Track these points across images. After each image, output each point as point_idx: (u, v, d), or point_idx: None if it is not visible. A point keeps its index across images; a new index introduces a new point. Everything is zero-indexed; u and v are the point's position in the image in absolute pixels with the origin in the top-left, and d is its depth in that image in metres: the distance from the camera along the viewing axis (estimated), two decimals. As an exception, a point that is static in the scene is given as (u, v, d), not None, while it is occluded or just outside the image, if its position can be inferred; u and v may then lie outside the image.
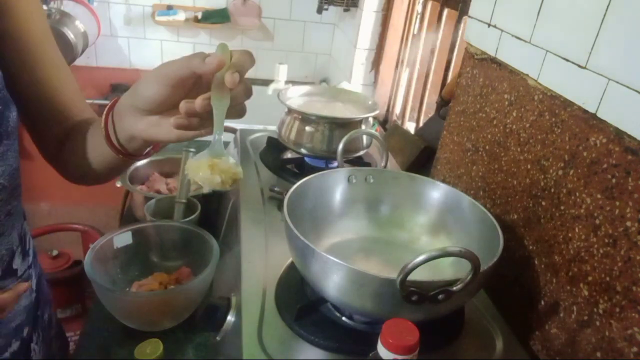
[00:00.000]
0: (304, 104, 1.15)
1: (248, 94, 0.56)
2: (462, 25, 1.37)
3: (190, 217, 0.99)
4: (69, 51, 2.10)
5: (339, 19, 2.46)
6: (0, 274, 0.67)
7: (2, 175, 0.64)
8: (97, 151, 0.66)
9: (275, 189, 0.97)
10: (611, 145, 0.61)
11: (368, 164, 1.14)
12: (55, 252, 1.99)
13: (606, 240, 0.61)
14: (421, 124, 1.62)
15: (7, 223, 0.66)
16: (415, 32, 1.81)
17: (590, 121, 0.65)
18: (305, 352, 0.64)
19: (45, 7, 2.09)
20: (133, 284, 0.87)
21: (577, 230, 0.67)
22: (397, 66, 1.93)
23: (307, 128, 1.07)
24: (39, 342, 0.77)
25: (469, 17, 0.98)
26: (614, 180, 0.61)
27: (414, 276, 0.55)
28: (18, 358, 0.72)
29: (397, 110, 1.92)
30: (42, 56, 0.68)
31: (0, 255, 0.67)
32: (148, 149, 0.66)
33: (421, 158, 1.31)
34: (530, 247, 0.77)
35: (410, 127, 1.75)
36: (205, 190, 0.72)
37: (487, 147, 0.90)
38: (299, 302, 0.68)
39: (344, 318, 0.68)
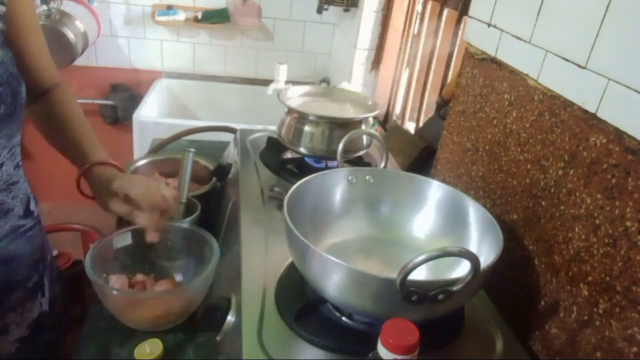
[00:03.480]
0: (304, 104, 1.15)
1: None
2: (462, 25, 1.37)
3: (191, 217, 0.99)
4: (69, 51, 2.10)
5: (339, 19, 2.46)
6: (22, 214, 0.82)
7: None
8: (56, 141, 0.88)
9: (275, 189, 0.97)
10: (611, 145, 0.61)
11: (368, 164, 1.14)
12: (55, 252, 1.99)
13: (606, 240, 0.61)
14: (421, 124, 1.62)
15: (19, 173, 0.81)
16: (415, 32, 1.81)
17: (590, 121, 0.65)
18: (305, 352, 0.64)
19: (45, 7, 2.09)
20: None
21: (577, 230, 0.67)
22: (397, 66, 1.93)
23: (307, 128, 1.07)
24: (46, 278, 0.90)
25: (469, 17, 0.98)
26: (614, 180, 0.61)
27: (414, 276, 0.55)
28: (37, 288, 0.87)
29: (397, 110, 1.92)
30: (28, 26, 0.78)
31: (20, 198, 0.81)
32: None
33: (421, 158, 1.31)
34: (530, 247, 0.76)
35: (410, 127, 1.75)
36: None
37: (487, 147, 0.90)
38: (299, 302, 0.68)
39: (344, 318, 0.68)
